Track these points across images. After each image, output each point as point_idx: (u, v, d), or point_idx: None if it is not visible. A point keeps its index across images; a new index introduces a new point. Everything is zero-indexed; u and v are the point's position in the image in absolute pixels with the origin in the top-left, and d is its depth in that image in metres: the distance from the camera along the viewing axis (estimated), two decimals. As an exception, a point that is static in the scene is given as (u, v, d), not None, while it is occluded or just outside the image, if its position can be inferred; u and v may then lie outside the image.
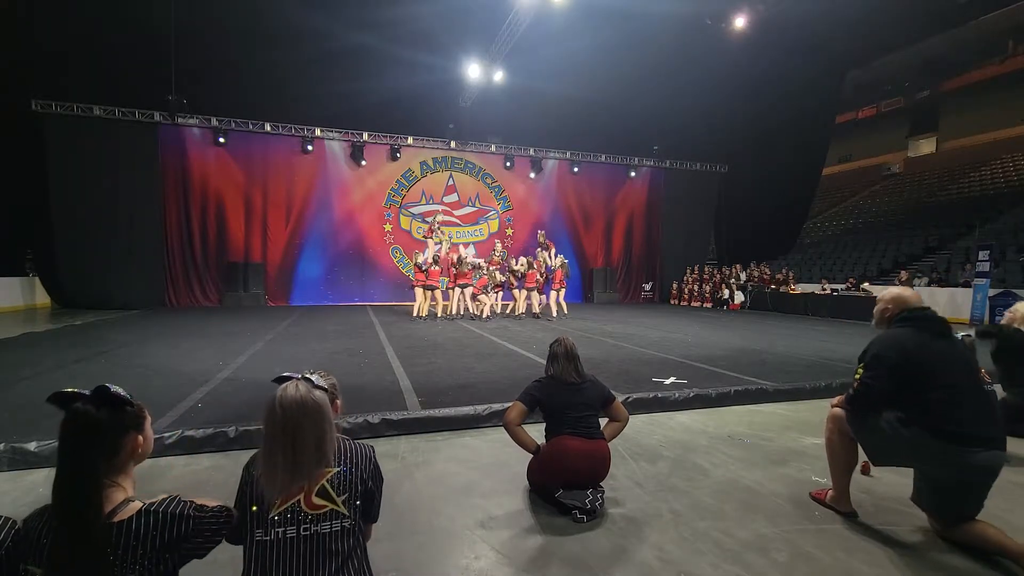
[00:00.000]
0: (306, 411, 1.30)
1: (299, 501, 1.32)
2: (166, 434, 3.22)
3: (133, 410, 1.20)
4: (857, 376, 2.38)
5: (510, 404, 2.69)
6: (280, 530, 1.30)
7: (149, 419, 1.27)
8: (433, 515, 2.51)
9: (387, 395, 4.29)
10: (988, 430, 2.15)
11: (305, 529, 1.31)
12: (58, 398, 1.11)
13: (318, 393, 1.35)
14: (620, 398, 4.26)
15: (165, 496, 1.20)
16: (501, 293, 11.68)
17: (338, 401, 1.61)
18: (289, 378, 1.36)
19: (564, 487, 2.54)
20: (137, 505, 1.15)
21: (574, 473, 2.54)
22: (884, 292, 2.60)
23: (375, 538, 2.15)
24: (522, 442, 2.63)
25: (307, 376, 1.38)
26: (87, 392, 1.13)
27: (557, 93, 14.39)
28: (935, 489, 2.29)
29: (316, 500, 1.33)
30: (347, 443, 1.47)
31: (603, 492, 2.58)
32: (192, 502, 1.23)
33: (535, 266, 11.42)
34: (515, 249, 15.19)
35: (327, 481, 1.35)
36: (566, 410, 2.60)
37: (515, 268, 11.47)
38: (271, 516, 1.30)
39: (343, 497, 1.37)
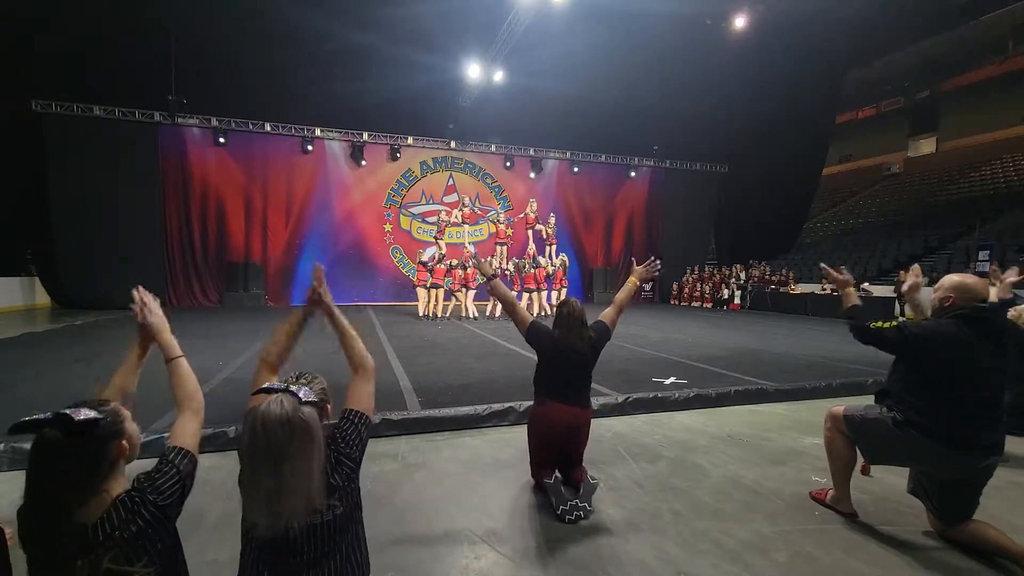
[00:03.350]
0: (294, 434, 1.11)
1: None
2: (166, 434, 3.22)
3: (107, 421, 1.11)
4: (882, 323, 2.24)
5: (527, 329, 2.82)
6: None
7: (128, 416, 1.19)
8: (433, 515, 2.51)
9: (387, 395, 4.29)
10: (987, 436, 2.13)
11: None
12: (22, 428, 1.03)
13: (307, 410, 1.15)
14: (620, 398, 4.29)
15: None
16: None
17: (329, 406, 1.44)
18: (271, 391, 1.17)
19: (548, 452, 2.68)
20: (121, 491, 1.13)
21: (555, 435, 2.65)
22: (945, 279, 2.29)
23: (376, 538, 2.15)
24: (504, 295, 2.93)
25: (291, 389, 1.18)
26: (49, 416, 1.04)
27: (557, 93, 14.37)
28: (931, 487, 2.29)
29: None
30: (330, 431, 1.33)
31: (597, 484, 2.58)
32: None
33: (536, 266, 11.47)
34: (515, 249, 15.20)
35: None
36: (557, 373, 2.70)
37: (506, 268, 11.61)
38: None
39: (335, 495, 1.27)
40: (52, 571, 1.04)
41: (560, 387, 2.69)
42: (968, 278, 2.25)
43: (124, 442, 1.15)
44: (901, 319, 2.27)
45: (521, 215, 13.47)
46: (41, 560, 1.05)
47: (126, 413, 1.19)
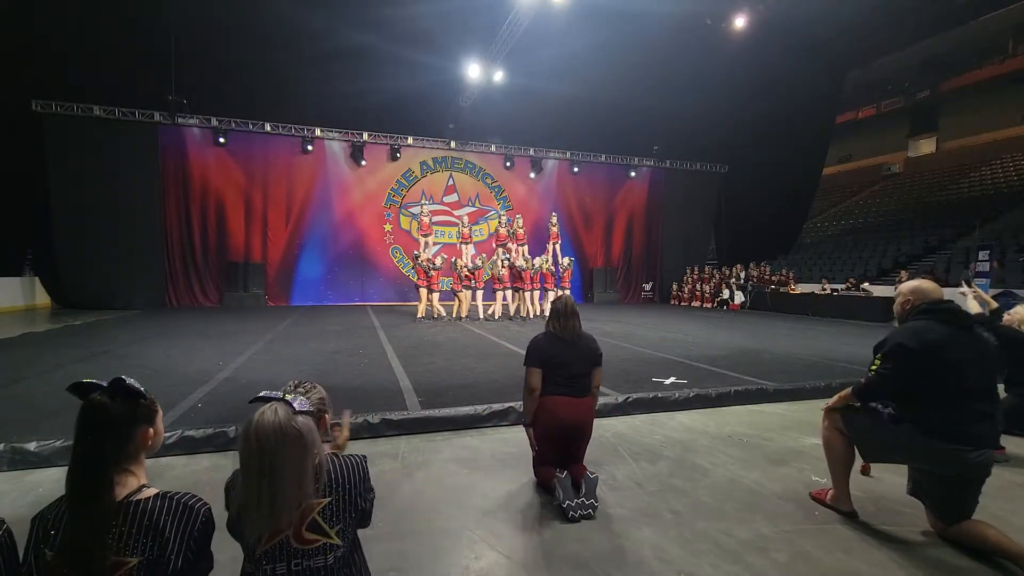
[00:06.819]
0: (285, 442, 1.13)
1: (288, 536, 1.19)
2: (166, 434, 3.22)
3: (146, 403, 1.23)
4: (874, 367, 2.30)
5: (527, 371, 2.77)
6: (268, 567, 1.18)
7: (160, 413, 1.28)
8: (433, 515, 2.51)
9: (387, 395, 4.29)
10: (977, 428, 2.14)
11: (296, 565, 1.20)
12: (77, 388, 1.16)
13: (300, 419, 1.17)
14: (620, 398, 4.29)
15: (186, 492, 1.23)
16: (508, 292, 11.65)
17: (326, 416, 1.44)
18: (267, 399, 1.19)
19: (555, 448, 2.70)
20: (154, 490, 1.19)
21: (563, 428, 2.67)
22: (902, 285, 2.45)
23: (375, 538, 2.16)
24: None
25: (287, 398, 1.21)
26: (104, 383, 1.17)
27: (557, 93, 14.37)
28: (930, 486, 2.29)
29: (308, 535, 1.20)
30: (339, 463, 1.31)
31: (597, 478, 2.58)
32: (209, 507, 1.23)
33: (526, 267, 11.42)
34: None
35: (318, 514, 1.22)
36: (560, 369, 2.73)
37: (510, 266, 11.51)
38: (258, 552, 1.18)
39: (337, 528, 1.25)
40: (81, 546, 1.08)
41: (567, 381, 2.72)
42: (924, 282, 2.40)
43: (151, 430, 1.24)
44: (878, 358, 2.29)
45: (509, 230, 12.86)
46: (67, 549, 1.08)
47: (159, 409, 1.29)
